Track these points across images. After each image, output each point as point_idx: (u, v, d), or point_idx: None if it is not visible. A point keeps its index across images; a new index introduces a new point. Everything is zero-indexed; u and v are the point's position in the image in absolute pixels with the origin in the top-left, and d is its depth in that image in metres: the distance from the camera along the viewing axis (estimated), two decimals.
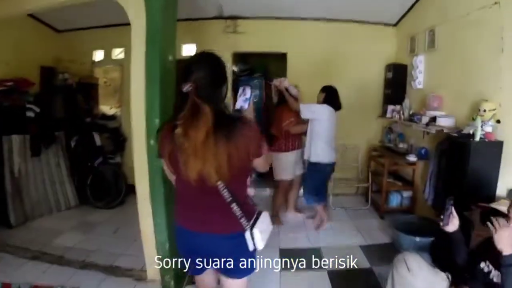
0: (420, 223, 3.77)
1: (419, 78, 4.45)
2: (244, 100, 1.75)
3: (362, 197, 5.31)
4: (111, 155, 5.34)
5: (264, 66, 6.41)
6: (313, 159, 3.91)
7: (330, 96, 3.95)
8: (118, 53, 5.62)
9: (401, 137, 4.88)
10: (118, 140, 5.49)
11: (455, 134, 3.27)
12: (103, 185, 5.06)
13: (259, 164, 1.65)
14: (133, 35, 2.75)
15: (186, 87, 1.44)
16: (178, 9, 2.92)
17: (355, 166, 5.31)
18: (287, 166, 4.17)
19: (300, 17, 5.15)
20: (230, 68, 5.37)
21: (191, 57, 1.63)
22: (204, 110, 1.41)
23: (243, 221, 1.56)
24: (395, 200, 4.66)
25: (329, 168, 4.01)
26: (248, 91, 1.78)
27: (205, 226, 1.59)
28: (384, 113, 5.08)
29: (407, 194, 4.65)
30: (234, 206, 1.53)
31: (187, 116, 1.43)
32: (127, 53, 4.90)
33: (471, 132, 3.02)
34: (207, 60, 1.57)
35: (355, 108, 5.23)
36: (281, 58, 5.37)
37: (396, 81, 4.85)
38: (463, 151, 3.02)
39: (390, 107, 4.84)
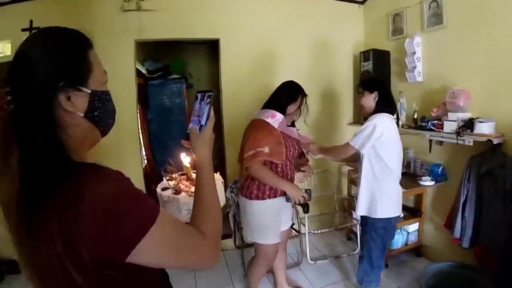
0: (462, 275, 2.53)
1: (418, 68, 3.14)
2: (199, 116, 1.00)
3: (341, 233, 3.84)
4: None
5: (184, 64, 4.57)
6: (383, 213, 2.35)
7: (386, 96, 2.40)
8: None
9: None
10: None
11: None
12: None
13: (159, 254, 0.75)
14: None
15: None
16: None
17: (329, 195, 3.82)
18: (268, 221, 2.42)
19: None
20: (132, 65, 3.45)
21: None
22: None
23: None
24: (400, 240, 3.28)
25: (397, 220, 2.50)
26: (206, 100, 1.02)
27: None
28: (359, 118, 3.67)
29: (413, 228, 3.31)
30: None
31: None
32: None
33: None
34: (34, 45, 0.76)
35: (320, 116, 3.82)
36: (210, 49, 3.64)
37: (378, 73, 3.47)
38: None
39: None
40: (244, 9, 3.55)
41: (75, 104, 0.76)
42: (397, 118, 3.24)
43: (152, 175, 4.38)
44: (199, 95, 1.05)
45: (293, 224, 3.41)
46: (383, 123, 2.26)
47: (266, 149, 2.24)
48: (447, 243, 2.97)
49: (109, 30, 3.28)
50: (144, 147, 4.22)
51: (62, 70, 0.75)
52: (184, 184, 2.35)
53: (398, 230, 3.23)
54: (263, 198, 2.36)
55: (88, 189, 0.66)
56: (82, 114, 0.78)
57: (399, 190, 2.43)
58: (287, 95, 2.39)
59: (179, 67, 4.43)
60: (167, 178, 2.45)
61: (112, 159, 3.35)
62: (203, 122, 0.98)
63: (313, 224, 3.47)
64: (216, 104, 3.97)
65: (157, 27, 3.39)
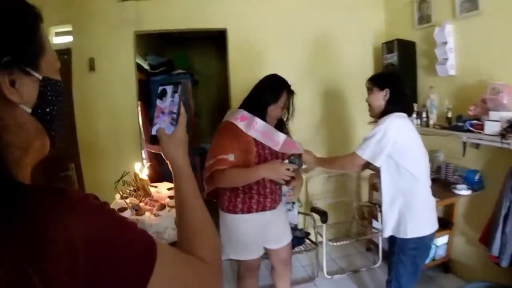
0: None
1: (450, 60, 2.76)
2: (167, 114, 0.83)
3: (359, 243, 3.49)
4: None
5: (188, 58, 4.26)
6: (414, 232, 1.95)
7: (399, 95, 2.01)
8: None
9: None
10: None
11: None
12: None
13: None
14: None
15: None
16: None
17: (346, 201, 3.48)
18: (242, 237, 2.09)
19: None
20: (132, 59, 3.16)
21: None
22: None
23: None
24: None
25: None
26: (172, 94, 0.84)
27: None
28: None
29: (442, 241, 2.93)
30: None
31: None
32: None
33: None
34: None
35: (335, 114, 3.51)
36: (218, 44, 3.32)
37: (404, 67, 3.10)
38: None
39: None
40: None
41: (21, 92, 0.54)
42: (427, 117, 2.89)
43: (155, 176, 4.10)
44: (162, 89, 0.85)
45: (308, 234, 3.10)
46: (397, 126, 1.90)
47: (231, 157, 1.89)
48: (481, 260, 2.63)
49: (105, 22, 3.04)
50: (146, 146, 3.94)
51: (5, 40, 0.52)
52: (144, 202, 2.00)
53: None
54: (235, 212, 2.04)
55: (56, 227, 0.46)
56: (29, 110, 0.56)
57: (431, 201, 2.05)
58: (267, 93, 2.01)
59: (183, 62, 4.11)
60: (121, 195, 2.10)
61: (110, 159, 3.10)
62: (171, 121, 0.82)
63: (329, 233, 3.13)
64: (225, 101, 3.66)
65: (157, 18, 3.11)
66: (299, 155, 1.97)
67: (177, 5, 3.10)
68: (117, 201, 2.09)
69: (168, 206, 1.98)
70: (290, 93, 2.04)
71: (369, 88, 2.11)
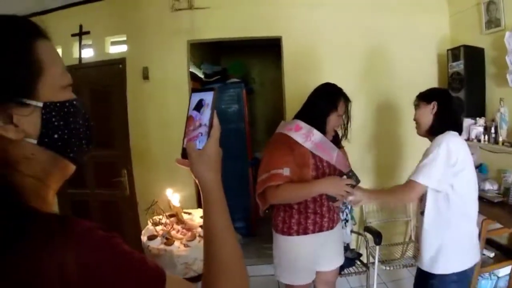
0: None
1: None
2: (199, 126, 0.72)
3: (414, 269, 3.20)
4: None
5: (243, 66, 4.25)
6: (457, 266, 1.77)
7: (447, 108, 1.87)
8: None
9: (484, 171, 2.86)
10: None
11: None
12: None
13: None
14: None
15: None
16: None
17: (404, 220, 3.24)
18: (295, 261, 1.97)
19: None
20: (185, 68, 3.17)
21: None
22: None
23: None
24: (487, 286, 2.61)
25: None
26: (206, 103, 0.73)
27: None
28: None
29: (505, 271, 2.60)
30: None
31: None
32: None
33: None
34: None
35: (390, 131, 3.27)
36: (276, 52, 3.26)
37: (471, 76, 2.83)
38: None
39: (467, 122, 2.80)
40: (307, 2, 3.11)
41: (21, 126, 0.52)
42: (495, 133, 2.61)
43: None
44: (195, 97, 0.76)
45: (360, 255, 2.91)
46: (456, 146, 1.71)
47: (286, 171, 1.76)
48: None
49: (159, 32, 3.10)
50: None
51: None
52: (175, 229, 1.91)
53: (486, 274, 2.58)
54: (290, 234, 1.91)
55: (50, 260, 0.45)
56: (35, 141, 0.53)
57: (476, 232, 1.86)
58: (325, 101, 1.90)
59: (238, 70, 4.10)
60: (152, 222, 2.02)
61: (161, 168, 3.14)
62: (203, 134, 0.71)
63: (382, 254, 2.91)
64: (278, 113, 3.58)
65: (211, 26, 3.12)
66: (352, 171, 1.83)
67: (231, 14, 3.10)
68: (148, 228, 2.04)
69: (199, 236, 1.89)
70: (347, 100, 1.93)
71: (416, 104, 1.99)
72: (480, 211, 2.57)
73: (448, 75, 3.00)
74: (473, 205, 1.81)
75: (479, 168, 2.88)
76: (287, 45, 3.16)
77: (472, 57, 2.84)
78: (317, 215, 1.92)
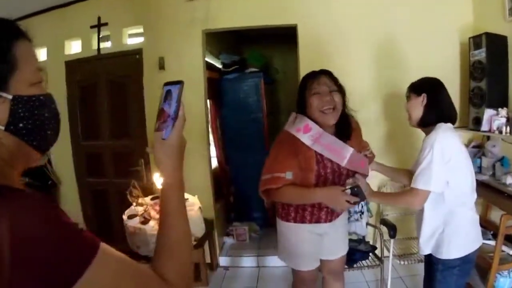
0: None
1: None
2: (168, 117, 0.77)
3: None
4: None
5: (263, 56, 4.23)
6: (459, 251, 1.76)
7: (438, 99, 1.84)
8: None
9: (506, 164, 2.75)
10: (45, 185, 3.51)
11: None
12: None
13: None
14: None
15: None
16: None
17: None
18: (295, 247, 1.97)
19: None
20: (200, 58, 3.18)
21: None
22: None
23: None
24: (506, 285, 2.48)
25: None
26: (175, 95, 0.78)
27: None
28: (469, 121, 2.95)
29: None
30: None
31: None
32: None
33: None
34: None
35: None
36: (293, 41, 3.22)
37: (493, 65, 2.71)
38: None
39: (488, 113, 2.70)
40: None
41: None
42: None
43: (224, 177, 4.13)
44: (166, 89, 0.80)
45: (374, 248, 2.87)
46: (448, 141, 1.71)
47: (288, 175, 1.73)
48: None
49: (174, 22, 3.13)
50: (215, 146, 3.97)
51: None
52: (156, 210, 1.96)
53: (504, 272, 2.48)
54: (288, 220, 1.92)
55: (4, 221, 0.51)
56: (2, 127, 0.62)
57: (476, 219, 1.85)
58: (299, 87, 1.89)
59: (258, 60, 4.05)
60: (135, 203, 2.06)
61: None
62: (169, 125, 0.76)
63: (398, 248, 2.86)
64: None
65: (226, 16, 3.11)
66: (357, 186, 1.70)
67: (246, 2, 3.08)
68: (132, 208, 2.10)
69: None
70: (326, 74, 1.85)
71: (407, 96, 1.96)
72: (500, 206, 2.51)
73: (470, 65, 2.89)
74: (470, 192, 1.81)
75: (501, 161, 2.78)
76: (302, 34, 3.11)
77: (495, 45, 2.72)
78: (315, 208, 1.89)
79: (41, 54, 3.37)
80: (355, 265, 2.74)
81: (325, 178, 1.80)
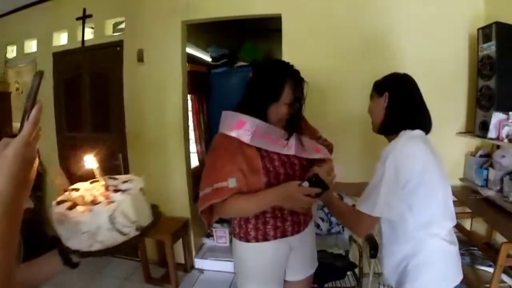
0: None
1: None
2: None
3: None
4: None
5: (256, 50, 3.98)
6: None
7: (402, 98, 1.47)
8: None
9: None
10: None
11: None
12: None
13: None
14: None
15: None
16: None
17: None
18: (257, 271, 1.67)
19: None
20: (179, 50, 3.02)
21: None
22: None
23: None
24: None
25: None
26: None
27: None
28: (475, 126, 2.52)
29: None
30: None
31: None
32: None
33: None
34: None
35: None
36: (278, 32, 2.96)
37: (505, 60, 2.27)
38: None
39: (497, 117, 2.26)
40: None
41: None
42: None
43: None
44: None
45: (354, 266, 2.53)
46: (407, 156, 1.32)
47: (231, 183, 1.43)
48: None
49: (154, 12, 3.01)
50: (196, 143, 3.80)
51: None
52: (93, 195, 1.68)
53: None
54: (248, 240, 1.61)
55: None
56: None
57: (451, 250, 1.43)
58: (266, 89, 1.54)
59: (249, 54, 3.78)
60: (71, 189, 1.85)
61: (155, 152, 3.10)
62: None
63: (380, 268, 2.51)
64: None
65: (208, 5, 2.93)
66: (316, 175, 1.44)
67: None
68: (65, 194, 1.94)
69: (107, 200, 1.63)
70: (297, 82, 1.53)
71: (371, 95, 1.58)
72: (502, 231, 2.08)
73: (478, 59, 2.45)
74: (442, 223, 1.40)
75: (511, 175, 2.33)
76: (287, 24, 2.83)
77: (508, 37, 2.28)
78: (278, 219, 1.60)
79: (32, 46, 3.42)
80: (326, 285, 2.41)
81: (276, 173, 1.53)
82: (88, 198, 1.63)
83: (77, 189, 1.73)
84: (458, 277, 1.44)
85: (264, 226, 1.59)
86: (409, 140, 1.37)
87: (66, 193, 1.73)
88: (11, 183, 0.56)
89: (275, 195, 1.46)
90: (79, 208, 1.42)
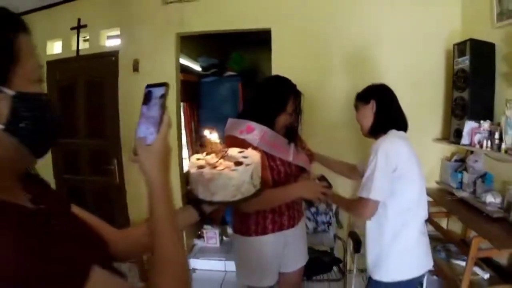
0: None
1: None
2: (151, 122, 0.71)
3: None
4: None
5: (243, 59, 4.12)
6: (390, 276, 1.67)
7: (388, 105, 1.77)
8: None
9: (488, 181, 2.51)
10: None
11: None
12: None
13: None
14: None
15: None
16: None
17: None
18: (257, 262, 1.86)
19: None
20: (173, 61, 3.15)
21: None
22: None
23: None
24: None
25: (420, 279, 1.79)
26: (159, 98, 0.73)
27: None
28: (451, 133, 2.74)
29: None
30: None
31: None
32: None
33: None
34: None
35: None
36: (266, 43, 3.12)
37: (477, 74, 2.50)
38: None
39: (469, 125, 2.49)
40: None
41: None
42: (500, 139, 2.28)
43: None
44: (147, 91, 0.74)
45: (339, 261, 2.72)
46: (394, 148, 1.60)
47: None
48: None
49: (150, 25, 3.14)
50: (189, 148, 3.93)
51: None
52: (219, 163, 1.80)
53: None
54: (249, 235, 1.81)
55: None
56: (1, 126, 0.55)
57: (423, 241, 1.74)
58: (274, 101, 1.77)
59: (237, 64, 3.93)
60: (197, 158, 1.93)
61: None
62: (153, 130, 0.70)
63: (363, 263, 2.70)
64: None
65: (200, 19, 3.08)
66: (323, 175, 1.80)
67: (220, 7, 3.03)
68: (193, 162, 1.98)
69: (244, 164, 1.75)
70: (298, 96, 1.80)
71: (356, 106, 1.86)
72: (474, 227, 2.29)
73: (453, 73, 2.68)
74: (416, 210, 1.68)
75: (483, 177, 2.55)
76: (276, 38, 3.01)
77: (481, 52, 2.50)
78: (276, 214, 1.82)
79: None
80: (314, 278, 2.61)
81: (278, 170, 1.78)
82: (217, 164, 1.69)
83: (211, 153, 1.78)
84: (430, 263, 1.74)
85: (263, 220, 1.80)
86: (395, 137, 1.65)
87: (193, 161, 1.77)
88: (166, 172, 0.72)
89: (296, 187, 1.73)
90: (225, 169, 1.50)
